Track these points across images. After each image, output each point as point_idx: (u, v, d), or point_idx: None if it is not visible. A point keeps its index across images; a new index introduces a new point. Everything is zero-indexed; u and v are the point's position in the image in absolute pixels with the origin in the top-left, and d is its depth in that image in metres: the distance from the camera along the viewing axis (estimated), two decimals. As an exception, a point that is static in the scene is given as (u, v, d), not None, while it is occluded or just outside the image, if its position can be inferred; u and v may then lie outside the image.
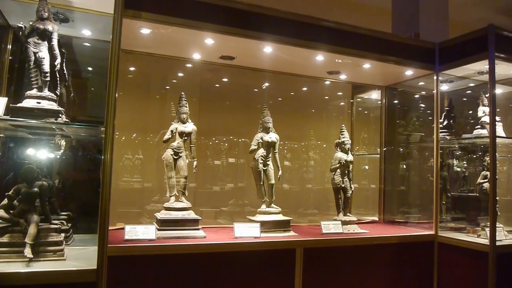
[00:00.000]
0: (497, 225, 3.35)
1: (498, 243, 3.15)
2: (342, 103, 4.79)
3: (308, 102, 4.60)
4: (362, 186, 4.64)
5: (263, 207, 3.19)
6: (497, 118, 3.50)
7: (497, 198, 3.49)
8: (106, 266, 2.18)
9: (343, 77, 4.00)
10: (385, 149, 4.24)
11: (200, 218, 2.87)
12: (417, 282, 3.51)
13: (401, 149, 4.28)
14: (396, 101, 4.33)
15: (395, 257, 3.40)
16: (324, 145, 4.56)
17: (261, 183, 3.20)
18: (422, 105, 4.38)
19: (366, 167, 4.75)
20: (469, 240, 3.34)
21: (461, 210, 3.93)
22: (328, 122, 4.79)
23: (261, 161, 3.19)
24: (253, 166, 3.22)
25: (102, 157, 2.20)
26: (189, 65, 3.73)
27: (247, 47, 3.10)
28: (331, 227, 3.25)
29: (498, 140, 3.56)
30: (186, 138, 3.00)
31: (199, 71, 3.85)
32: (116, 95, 2.22)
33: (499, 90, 4.15)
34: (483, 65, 3.36)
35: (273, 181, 3.22)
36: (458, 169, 4.01)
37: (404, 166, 4.30)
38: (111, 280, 2.26)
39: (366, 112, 4.90)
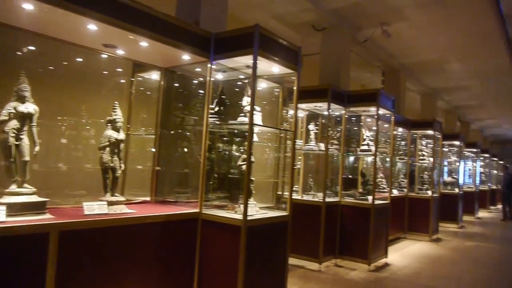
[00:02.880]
0: (250, 202, 3.81)
1: (249, 218, 3.59)
2: (122, 81, 4.60)
3: (84, 75, 4.23)
4: (146, 167, 4.58)
5: (13, 187, 2.78)
6: (258, 108, 3.96)
7: (252, 178, 3.97)
8: None
9: (121, 52, 3.83)
10: (161, 130, 4.29)
11: None
12: (182, 257, 3.70)
13: (177, 131, 4.40)
14: (175, 84, 4.42)
15: (162, 235, 3.49)
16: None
17: (12, 159, 2.78)
18: (200, 91, 4.59)
19: (153, 149, 4.71)
20: (227, 216, 3.69)
21: (226, 189, 4.31)
22: (107, 99, 4.51)
23: (13, 135, 2.76)
24: (2, 140, 2.76)
25: None
26: None
27: (0, -2, 2.61)
28: (95, 207, 3.10)
29: (260, 128, 4.06)
30: None
31: None
32: None
33: (264, 84, 4.71)
34: (250, 60, 3.71)
35: (27, 158, 2.83)
36: (226, 152, 4.37)
37: (178, 148, 4.45)
38: None
39: (149, 92, 4.84)
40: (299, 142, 6.48)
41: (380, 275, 5.87)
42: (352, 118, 6.95)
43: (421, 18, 6.95)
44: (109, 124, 3.38)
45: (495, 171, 20.34)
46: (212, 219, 3.74)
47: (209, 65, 3.85)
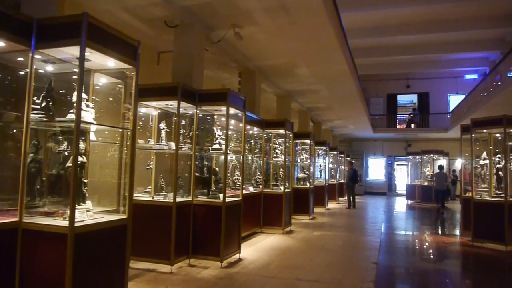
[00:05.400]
0: (82, 206, 3.51)
1: (79, 224, 3.28)
2: None
3: None
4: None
5: None
6: (91, 104, 3.67)
7: (85, 180, 3.66)
8: None
9: None
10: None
11: None
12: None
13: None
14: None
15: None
16: None
17: None
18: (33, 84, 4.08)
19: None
20: (53, 223, 3.33)
21: (57, 194, 3.89)
22: None
23: None
24: None
25: None
26: None
27: None
28: None
29: (100, 127, 3.76)
30: None
31: None
32: None
33: (104, 79, 4.40)
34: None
35: None
36: (58, 152, 3.94)
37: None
38: None
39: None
40: (151, 141, 6.26)
41: (231, 270, 6.00)
42: (207, 117, 6.99)
43: (269, 23, 7.32)
44: None
45: (342, 167, 22.77)
46: (35, 228, 3.34)
47: (30, 55, 3.42)
